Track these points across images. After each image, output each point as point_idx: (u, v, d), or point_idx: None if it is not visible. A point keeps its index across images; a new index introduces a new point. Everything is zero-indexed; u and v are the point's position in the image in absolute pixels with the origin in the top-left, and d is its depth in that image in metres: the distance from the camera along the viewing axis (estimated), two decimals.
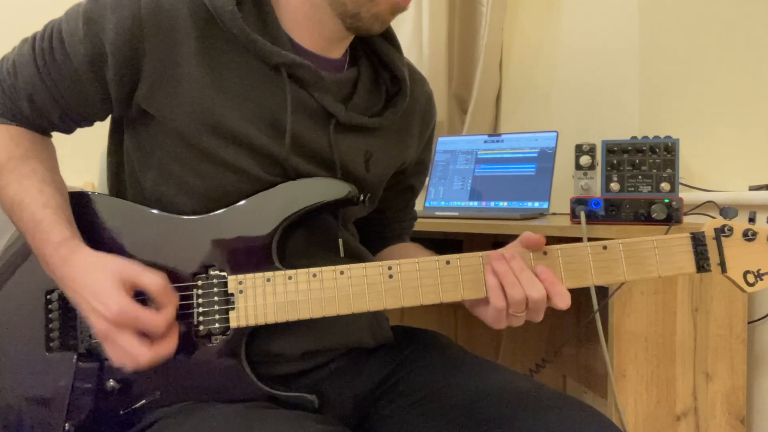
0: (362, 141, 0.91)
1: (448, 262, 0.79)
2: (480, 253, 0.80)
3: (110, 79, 0.81)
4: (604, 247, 0.79)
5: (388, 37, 0.93)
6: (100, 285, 0.74)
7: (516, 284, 0.76)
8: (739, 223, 0.82)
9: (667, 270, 0.80)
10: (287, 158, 0.83)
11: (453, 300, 0.79)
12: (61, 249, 0.77)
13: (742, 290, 0.81)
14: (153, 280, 0.75)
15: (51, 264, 0.77)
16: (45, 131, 0.89)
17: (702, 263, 0.80)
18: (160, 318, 0.74)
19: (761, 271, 0.81)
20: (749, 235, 0.81)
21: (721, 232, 0.81)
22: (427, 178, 1.69)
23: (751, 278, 0.81)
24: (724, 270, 0.81)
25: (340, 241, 0.88)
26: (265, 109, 0.83)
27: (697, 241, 0.80)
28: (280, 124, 0.83)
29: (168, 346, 0.75)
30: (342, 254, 0.87)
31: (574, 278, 0.79)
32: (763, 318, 1.33)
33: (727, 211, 0.83)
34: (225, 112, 0.80)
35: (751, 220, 0.82)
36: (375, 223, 1.05)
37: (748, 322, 1.30)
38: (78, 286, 0.75)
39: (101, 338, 0.75)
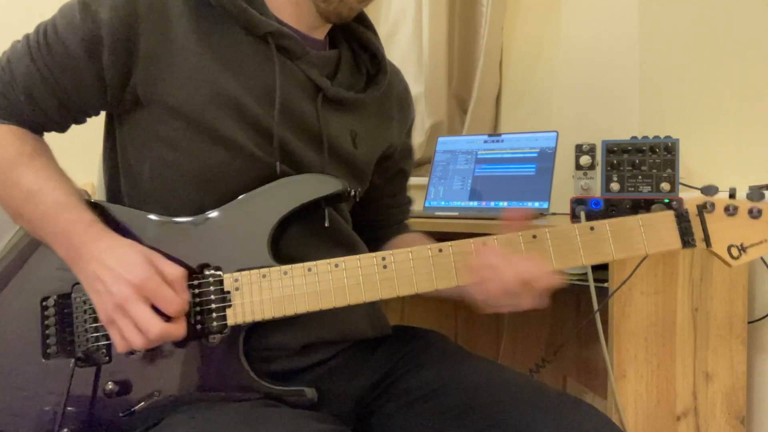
0: (347, 119, 0.94)
1: (440, 250, 0.81)
2: (471, 240, 0.81)
3: (105, 61, 0.82)
4: (592, 228, 0.81)
5: (364, 22, 0.98)
6: (129, 256, 0.76)
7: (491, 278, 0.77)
8: (721, 199, 0.83)
9: (654, 247, 0.81)
10: (279, 131, 0.85)
11: (447, 287, 0.81)
12: (94, 226, 0.80)
13: (728, 264, 0.82)
14: (174, 269, 0.77)
15: (78, 241, 0.78)
16: (41, 130, 0.89)
17: (687, 238, 0.81)
18: (178, 299, 0.76)
19: (744, 245, 0.82)
20: (731, 210, 0.82)
21: (703, 208, 0.82)
22: (427, 178, 1.70)
23: (735, 252, 0.82)
24: (708, 244, 0.82)
25: (326, 211, 0.88)
26: (257, 80, 0.85)
27: (681, 217, 0.82)
28: (271, 95, 0.85)
29: (178, 329, 0.77)
30: (327, 224, 0.88)
31: (563, 260, 0.81)
32: (763, 318, 1.33)
33: (708, 188, 0.83)
34: (222, 81, 0.83)
35: (732, 195, 0.83)
36: (372, 211, 1.07)
37: (748, 322, 1.30)
38: (106, 255, 0.76)
39: (114, 309, 0.75)
